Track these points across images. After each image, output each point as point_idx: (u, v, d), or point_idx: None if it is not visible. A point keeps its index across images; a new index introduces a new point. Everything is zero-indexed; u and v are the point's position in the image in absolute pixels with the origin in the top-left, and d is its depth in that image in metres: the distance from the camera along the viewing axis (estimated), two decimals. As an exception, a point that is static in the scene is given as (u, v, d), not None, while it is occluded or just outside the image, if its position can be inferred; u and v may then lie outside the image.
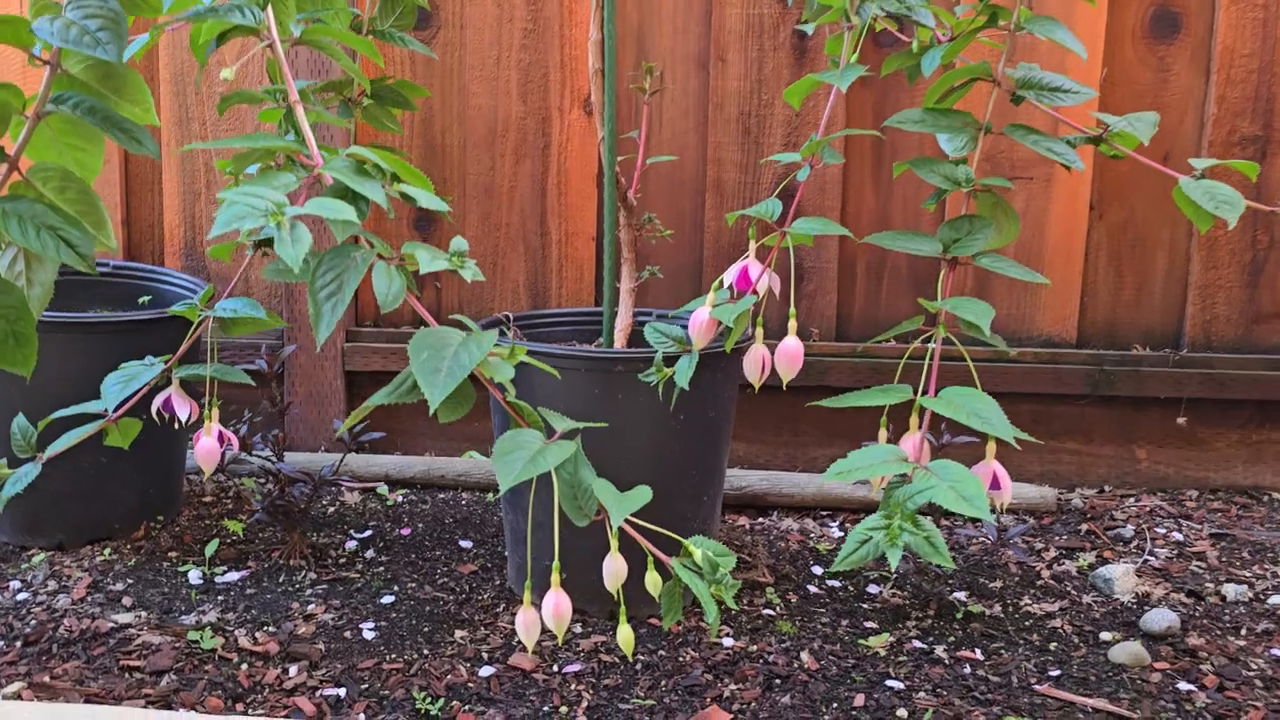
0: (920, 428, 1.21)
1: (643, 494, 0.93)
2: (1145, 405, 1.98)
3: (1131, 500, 1.97)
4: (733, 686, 1.33)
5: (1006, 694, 1.34)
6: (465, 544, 1.74)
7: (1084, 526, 1.86)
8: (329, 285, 0.93)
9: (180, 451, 1.77)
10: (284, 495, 1.64)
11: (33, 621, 1.47)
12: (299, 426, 2.04)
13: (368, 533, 1.77)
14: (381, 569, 1.64)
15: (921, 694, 1.33)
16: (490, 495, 1.94)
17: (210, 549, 1.65)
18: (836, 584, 1.64)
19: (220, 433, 1.40)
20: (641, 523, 0.96)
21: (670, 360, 1.21)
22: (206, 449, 1.34)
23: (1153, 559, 1.75)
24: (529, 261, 2.02)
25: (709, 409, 1.46)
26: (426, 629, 1.46)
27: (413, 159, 2.01)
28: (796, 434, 2.01)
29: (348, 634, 1.45)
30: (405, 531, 1.78)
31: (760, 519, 1.89)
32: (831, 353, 1.95)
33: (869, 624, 1.51)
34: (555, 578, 0.95)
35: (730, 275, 1.18)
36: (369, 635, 1.44)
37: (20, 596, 1.54)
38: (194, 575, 1.61)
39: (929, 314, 1.38)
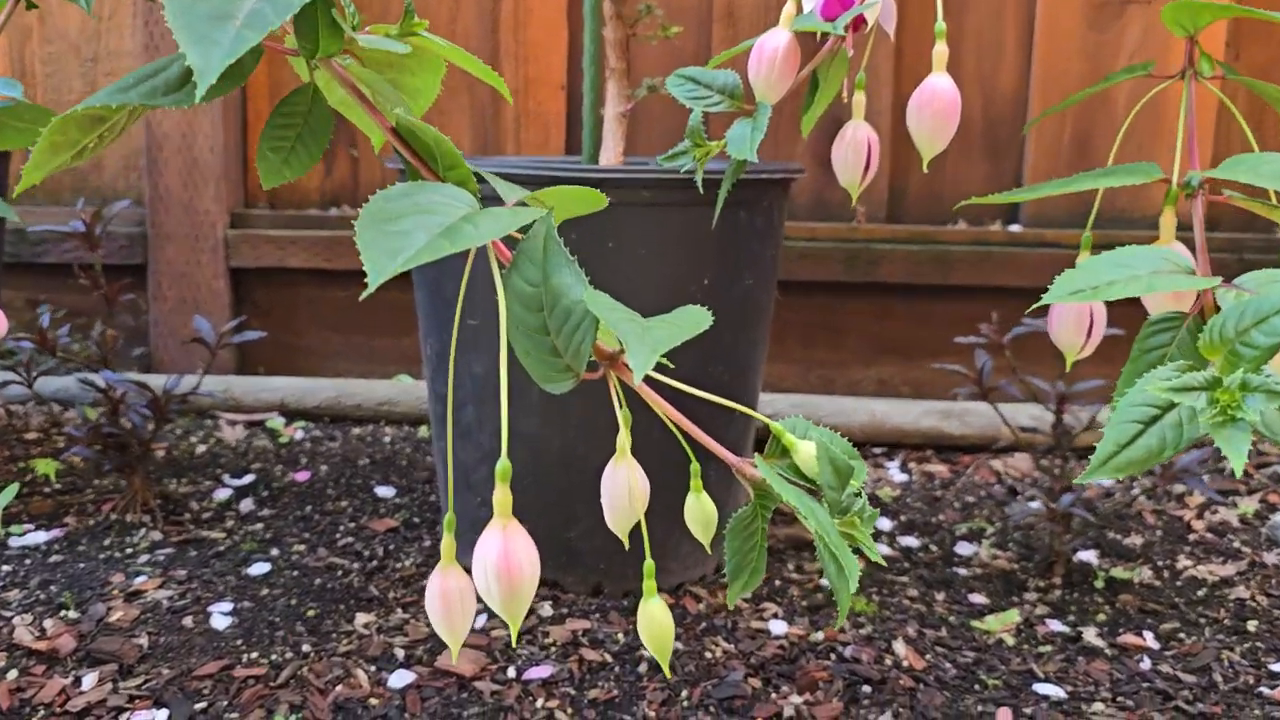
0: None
1: (693, 319, 0.42)
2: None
3: None
4: (795, 699, 0.84)
5: (1226, 704, 0.86)
6: (384, 491, 1.23)
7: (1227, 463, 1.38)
8: None
9: (-22, 365, 1.25)
10: (115, 422, 1.12)
11: None
12: (169, 342, 1.52)
13: (248, 478, 1.26)
14: (259, 527, 1.13)
15: (1098, 706, 0.84)
16: (424, 429, 1.43)
17: (3, 501, 1.12)
18: (913, 541, 1.15)
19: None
20: (667, 382, 0.47)
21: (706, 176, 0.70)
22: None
23: (1340, 504, 1.27)
24: (476, 120, 1.50)
25: (745, 271, 0.96)
26: (312, 612, 0.95)
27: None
28: (835, 348, 1.51)
29: (189, 621, 0.93)
30: (301, 476, 1.27)
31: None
32: (883, 237, 1.46)
33: (975, 597, 1.02)
34: (503, 497, 0.44)
35: (813, -10, 0.67)
36: (221, 623, 0.93)
37: None
38: (-24, 537, 1.09)
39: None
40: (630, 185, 0.88)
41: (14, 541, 1.08)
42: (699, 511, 0.51)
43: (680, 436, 0.49)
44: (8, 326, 0.91)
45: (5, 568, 1.03)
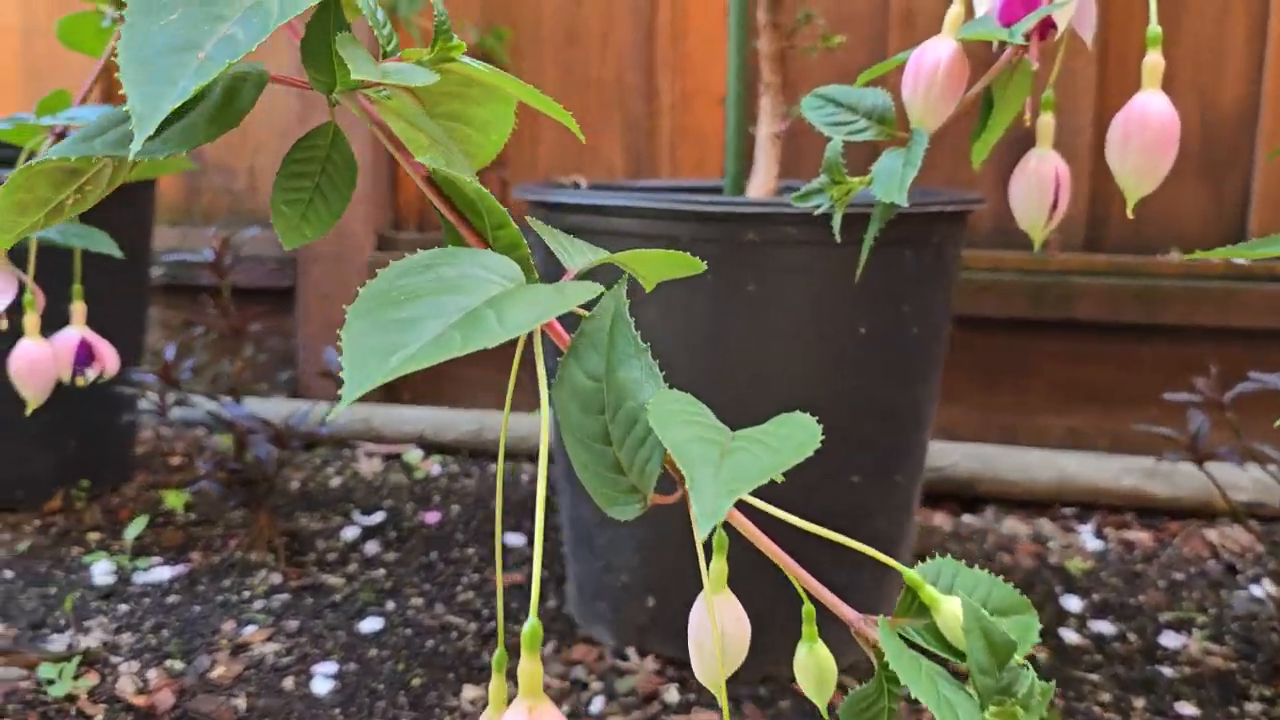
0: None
1: (797, 438, 0.31)
2: None
3: None
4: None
5: None
6: (513, 540, 1.15)
7: None
8: None
9: (123, 396, 1.23)
10: (241, 457, 1.08)
11: None
12: (315, 369, 1.49)
13: (377, 516, 1.20)
14: (381, 574, 1.07)
15: None
16: (564, 467, 1.35)
17: (133, 532, 1.10)
18: (1107, 627, 0.99)
19: (84, 343, 0.83)
20: (765, 507, 0.35)
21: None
22: (25, 362, 0.78)
23: None
24: (629, 134, 1.41)
25: (912, 318, 0.83)
26: (418, 681, 0.88)
27: (471, -6, 1.42)
28: (1020, 393, 1.35)
29: (289, 683, 0.87)
30: (431, 518, 1.20)
31: (967, 516, 1.24)
32: (1078, 269, 1.29)
33: (1184, 707, 0.86)
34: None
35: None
36: (323, 687, 0.86)
37: None
38: (101, 569, 1.06)
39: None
40: (775, 221, 0.77)
41: (138, 578, 1.05)
42: (811, 666, 0.39)
43: (795, 569, 0.37)
44: (118, 362, 0.87)
45: (123, 607, 0.99)
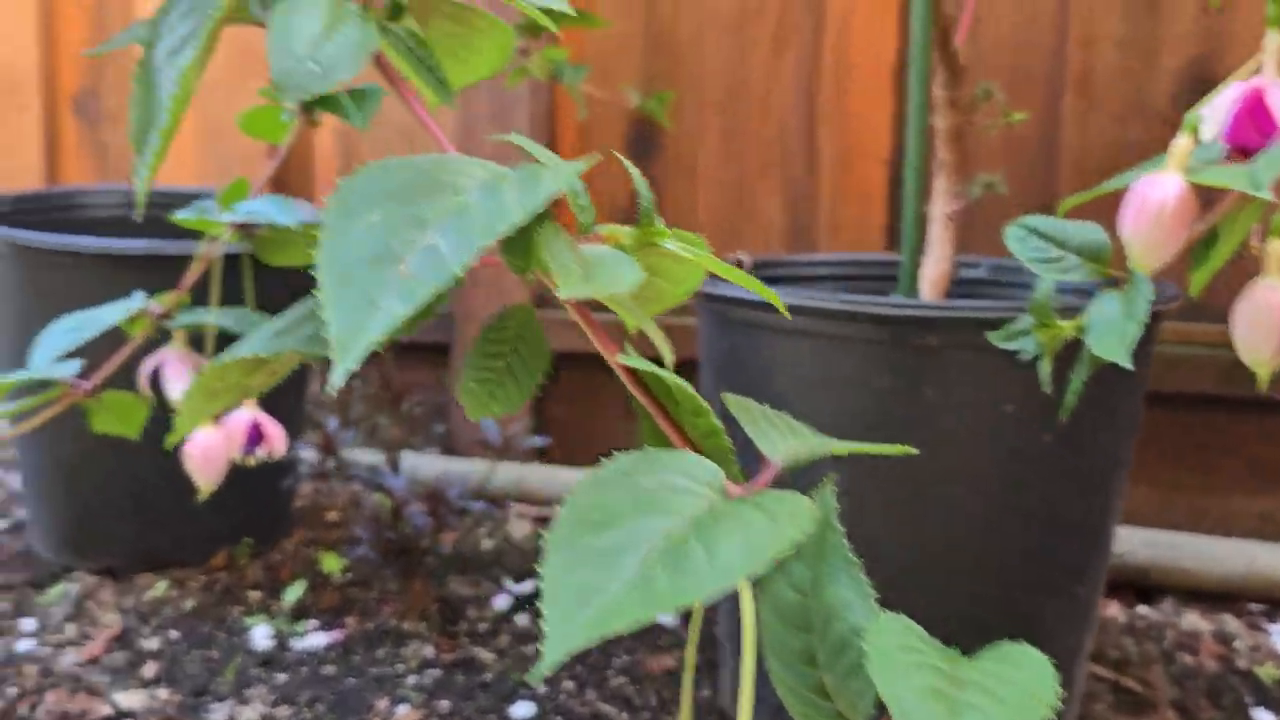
0: None
1: (1035, 689, 0.28)
2: None
3: None
4: None
5: None
6: (665, 618, 1.13)
7: None
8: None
9: (287, 461, 1.26)
10: (396, 526, 1.09)
11: (10, 691, 0.98)
12: (467, 424, 1.50)
13: (528, 585, 1.20)
14: (533, 650, 1.05)
15: None
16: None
17: (291, 596, 1.12)
18: (1310, 752, 0.91)
19: (255, 425, 0.85)
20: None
21: (1060, 308, 0.53)
22: (200, 450, 0.80)
23: None
24: (789, 193, 1.38)
25: (1101, 424, 0.78)
26: (571, 778, 0.86)
27: (634, 52, 1.42)
28: (1208, 473, 1.27)
29: (442, 773, 0.87)
30: (581, 587, 1.19)
31: (1143, 608, 1.17)
32: None
33: None
34: None
35: (1222, 108, 0.48)
36: (475, 780, 0.86)
37: (23, 646, 1.06)
38: (261, 634, 1.08)
39: None
40: (958, 326, 0.73)
41: (296, 644, 1.06)
42: None
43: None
44: (286, 442, 0.88)
45: (281, 676, 1.01)
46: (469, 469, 1.40)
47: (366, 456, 1.41)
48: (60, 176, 1.73)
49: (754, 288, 0.39)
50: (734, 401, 0.38)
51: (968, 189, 0.95)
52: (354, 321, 0.26)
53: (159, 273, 1.01)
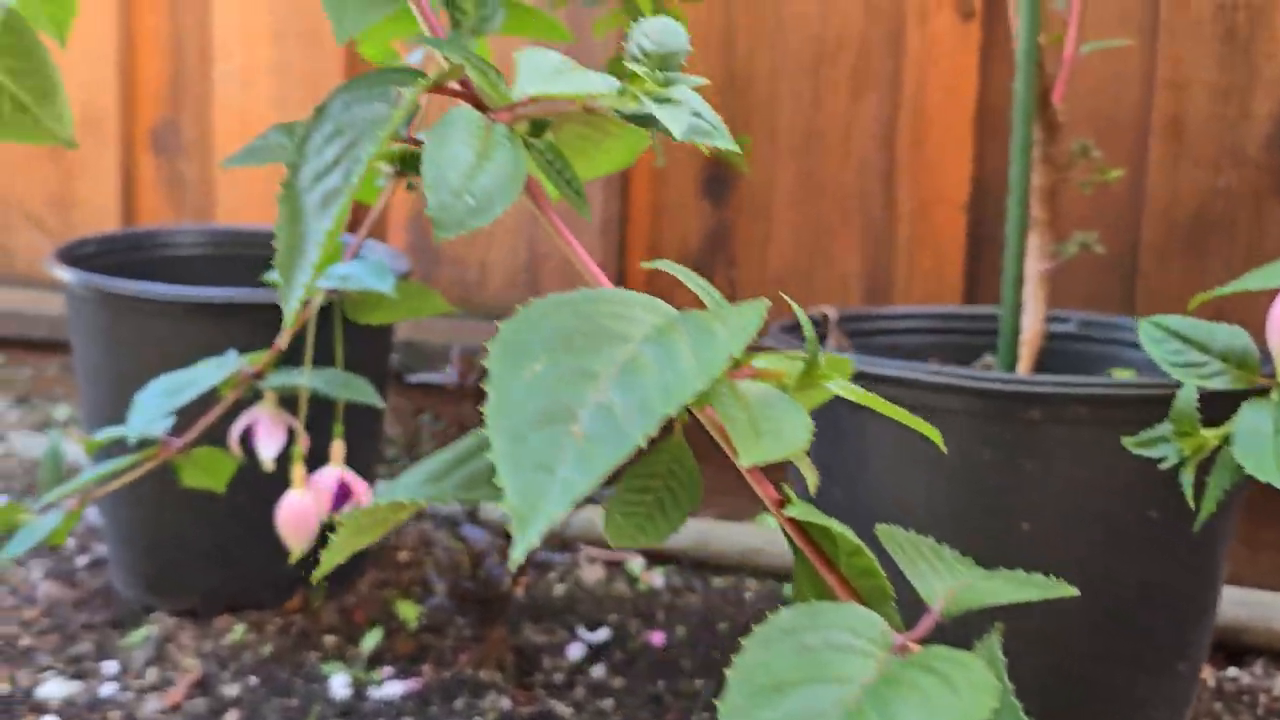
0: None
1: None
2: None
3: None
4: None
5: None
6: (742, 673, 1.11)
7: None
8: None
9: (358, 491, 1.26)
10: (474, 575, 1.08)
11: (95, 739, 0.99)
12: (537, 462, 1.49)
13: (602, 634, 1.19)
14: (609, 704, 1.05)
15: None
16: (788, 586, 1.30)
17: (369, 644, 1.12)
18: None
19: (342, 483, 0.85)
20: None
21: (1209, 404, 0.51)
22: (292, 514, 0.80)
23: None
24: (866, 240, 1.37)
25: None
26: (656, 846, 0.85)
27: (706, 95, 1.41)
28: (1297, 529, 1.23)
29: (526, 837, 0.86)
30: (656, 639, 1.18)
31: (1233, 670, 1.14)
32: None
33: None
34: None
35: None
36: (559, 845, 0.85)
37: (105, 690, 1.06)
38: (339, 683, 1.08)
39: None
40: (1063, 401, 0.71)
41: (373, 693, 1.06)
42: None
43: None
44: (369, 494, 0.88)
45: (360, 727, 1.01)
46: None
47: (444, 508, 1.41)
48: (137, 210, 1.75)
49: (880, 407, 0.38)
50: (886, 534, 0.37)
51: (1062, 248, 0.93)
52: (531, 492, 0.26)
53: (241, 320, 1.02)
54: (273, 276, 0.87)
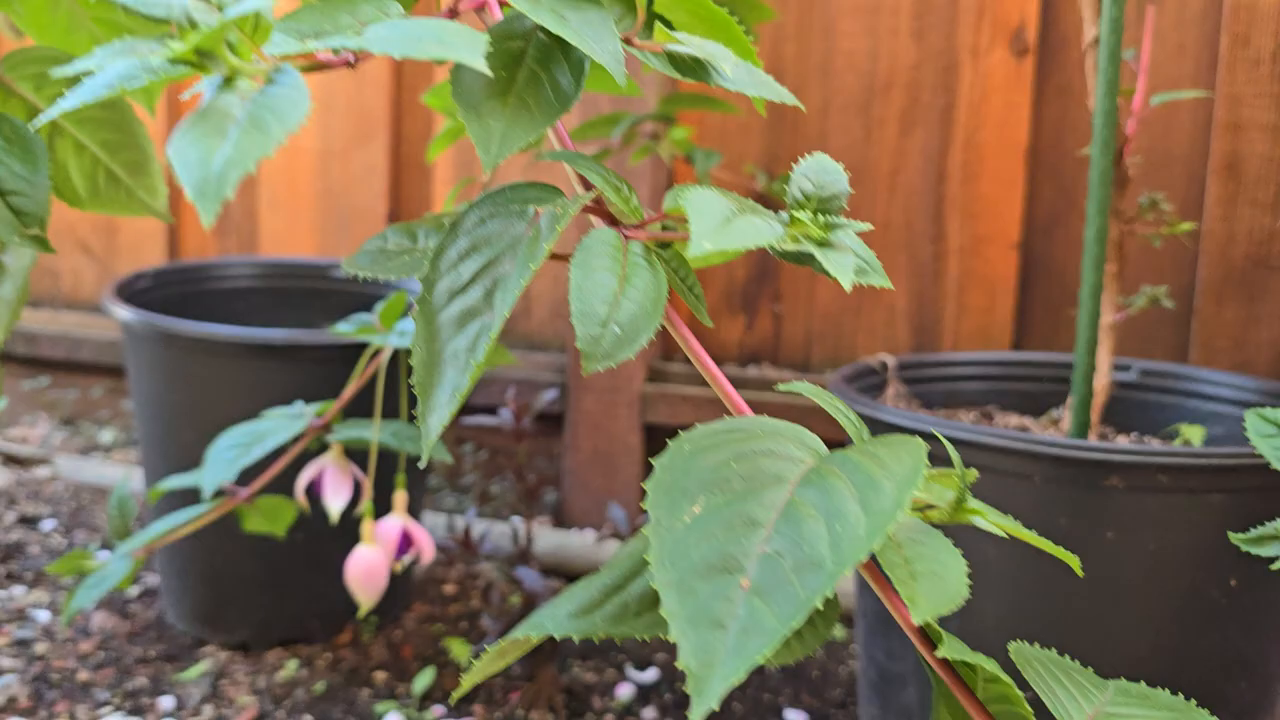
0: None
1: None
2: None
3: None
4: None
5: None
6: (793, 717, 1.11)
7: None
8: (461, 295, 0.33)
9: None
10: (527, 615, 1.08)
11: (154, 780, 0.99)
12: (579, 495, 1.50)
13: (651, 674, 1.19)
14: (662, 748, 1.05)
15: None
16: (839, 630, 1.30)
17: (420, 685, 1.12)
18: None
19: (405, 533, 0.85)
20: None
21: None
22: (363, 569, 0.80)
23: None
24: (914, 278, 1.37)
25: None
26: None
27: (754, 129, 1.41)
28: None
29: None
30: (706, 679, 1.18)
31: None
32: None
33: None
34: None
35: None
36: None
37: (160, 727, 1.07)
38: (393, 722, 1.08)
39: None
40: (1144, 469, 0.71)
41: (426, 733, 1.07)
42: None
43: None
44: (434, 550, 0.88)
45: (416, 770, 1.01)
46: (584, 543, 1.40)
47: (478, 525, 1.41)
48: (182, 235, 1.76)
49: (1021, 535, 0.37)
50: (1019, 653, 0.37)
51: (1131, 300, 0.93)
52: (707, 652, 0.26)
53: (301, 361, 1.02)
54: (343, 327, 0.87)
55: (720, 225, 0.32)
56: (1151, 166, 1.26)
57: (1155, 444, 0.85)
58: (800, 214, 0.35)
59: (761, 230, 0.34)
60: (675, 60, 0.41)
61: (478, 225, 0.36)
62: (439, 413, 0.35)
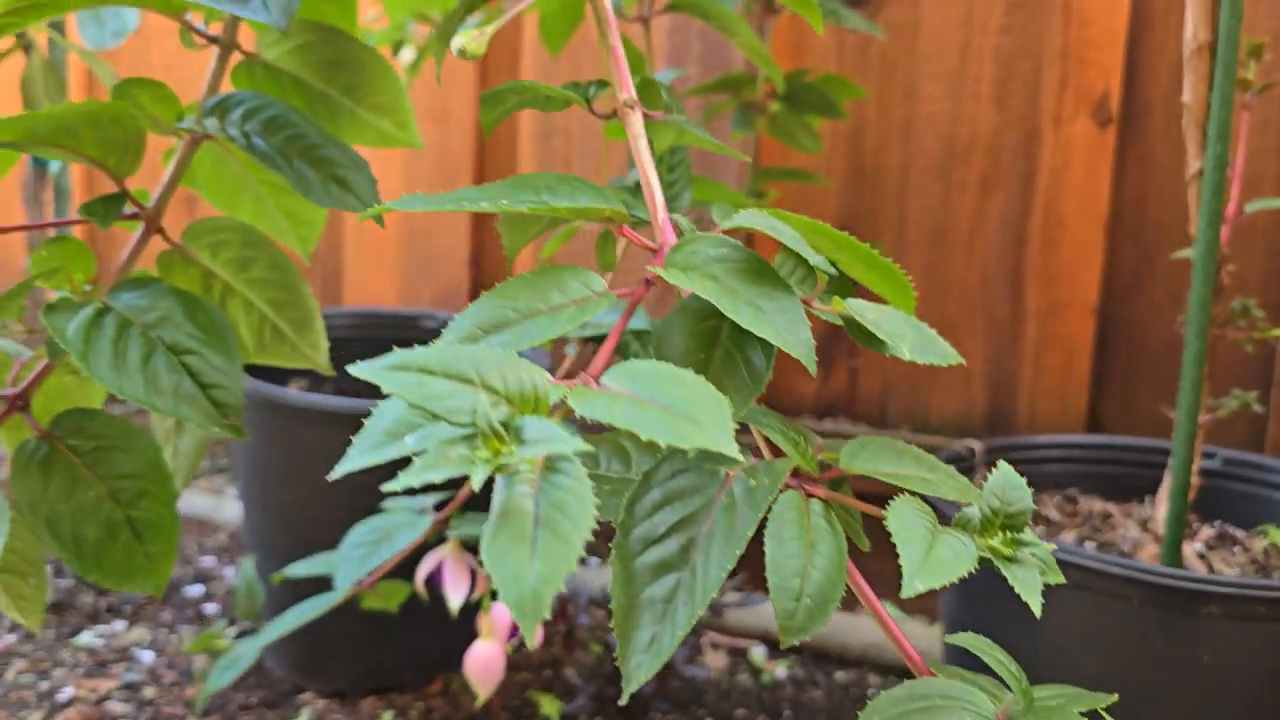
0: None
1: None
2: None
3: None
4: None
5: None
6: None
7: None
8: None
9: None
10: (619, 680, 1.12)
11: (267, 834, 1.05)
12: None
13: (737, 733, 1.23)
14: (748, 812, 1.09)
15: None
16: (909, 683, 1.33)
17: (513, 740, 1.17)
18: None
19: (515, 628, 0.89)
20: None
21: None
22: (481, 663, 0.85)
23: None
24: (991, 340, 1.39)
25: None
26: None
27: (833, 188, 1.44)
28: None
29: None
30: (786, 738, 1.22)
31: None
32: None
33: None
34: None
35: None
36: None
37: (268, 777, 1.13)
38: (488, 779, 1.13)
39: None
40: (1242, 600, 0.73)
41: (520, 790, 1.11)
42: None
43: None
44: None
45: (514, 830, 1.06)
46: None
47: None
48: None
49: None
50: None
51: (1221, 403, 0.95)
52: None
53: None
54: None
55: (924, 558, 0.35)
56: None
57: (1253, 576, 0.87)
58: (992, 540, 0.38)
59: (962, 560, 0.37)
60: (851, 325, 0.44)
61: (669, 479, 0.40)
62: (637, 658, 0.38)
